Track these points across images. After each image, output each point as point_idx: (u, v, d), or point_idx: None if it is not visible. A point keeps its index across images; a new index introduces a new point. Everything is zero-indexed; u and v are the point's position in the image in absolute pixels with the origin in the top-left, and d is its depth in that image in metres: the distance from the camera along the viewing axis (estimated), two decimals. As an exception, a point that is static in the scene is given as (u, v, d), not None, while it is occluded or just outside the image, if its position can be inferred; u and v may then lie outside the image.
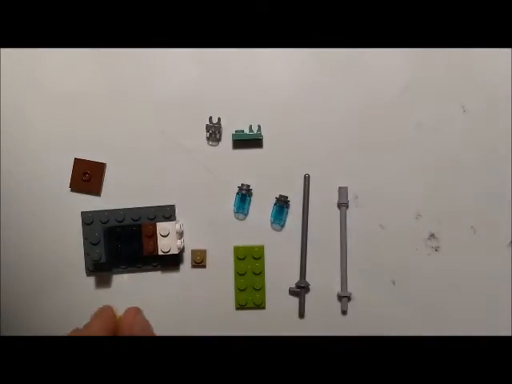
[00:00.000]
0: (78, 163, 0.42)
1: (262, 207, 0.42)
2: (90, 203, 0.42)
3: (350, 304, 0.42)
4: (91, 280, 0.43)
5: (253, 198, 0.42)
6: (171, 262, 0.42)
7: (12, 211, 0.42)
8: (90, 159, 0.42)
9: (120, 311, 0.41)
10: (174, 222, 0.40)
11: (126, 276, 0.43)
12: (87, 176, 0.42)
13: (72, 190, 0.42)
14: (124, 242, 0.41)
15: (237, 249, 0.42)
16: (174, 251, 0.40)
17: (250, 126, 0.41)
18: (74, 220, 0.42)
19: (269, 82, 0.42)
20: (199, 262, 0.42)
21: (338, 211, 0.42)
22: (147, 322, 0.41)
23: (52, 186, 0.42)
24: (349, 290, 0.42)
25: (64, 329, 0.37)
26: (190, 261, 0.42)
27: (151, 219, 0.42)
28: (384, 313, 0.42)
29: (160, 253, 0.40)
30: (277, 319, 0.42)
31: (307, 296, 0.42)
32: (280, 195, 0.42)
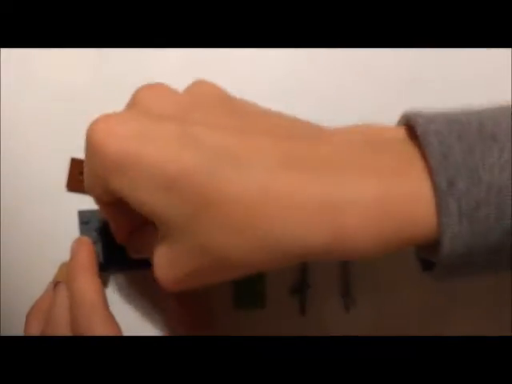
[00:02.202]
0: (75, 163, 0.41)
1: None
2: (87, 203, 0.42)
3: (350, 303, 0.42)
4: (88, 280, 0.42)
5: (252, 198, 0.42)
6: (170, 261, 0.42)
7: (9, 210, 0.42)
8: (88, 159, 0.42)
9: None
10: (173, 222, 0.40)
11: (124, 275, 0.42)
12: (84, 176, 0.41)
13: (68, 190, 0.42)
14: (122, 242, 0.41)
15: (236, 248, 0.42)
16: (174, 251, 0.40)
17: (251, 127, 0.41)
18: (70, 219, 0.42)
19: (269, 82, 0.42)
20: (198, 261, 0.42)
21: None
22: None
23: (48, 186, 0.42)
24: (349, 289, 0.42)
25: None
26: (189, 261, 0.42)
27: (150, 218, 0.42)
28: (385, 312, 0.42)
29: (159, 252, 0.40)
30: (277, 319, 0.42)
31: (308, 295, 0.42)
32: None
